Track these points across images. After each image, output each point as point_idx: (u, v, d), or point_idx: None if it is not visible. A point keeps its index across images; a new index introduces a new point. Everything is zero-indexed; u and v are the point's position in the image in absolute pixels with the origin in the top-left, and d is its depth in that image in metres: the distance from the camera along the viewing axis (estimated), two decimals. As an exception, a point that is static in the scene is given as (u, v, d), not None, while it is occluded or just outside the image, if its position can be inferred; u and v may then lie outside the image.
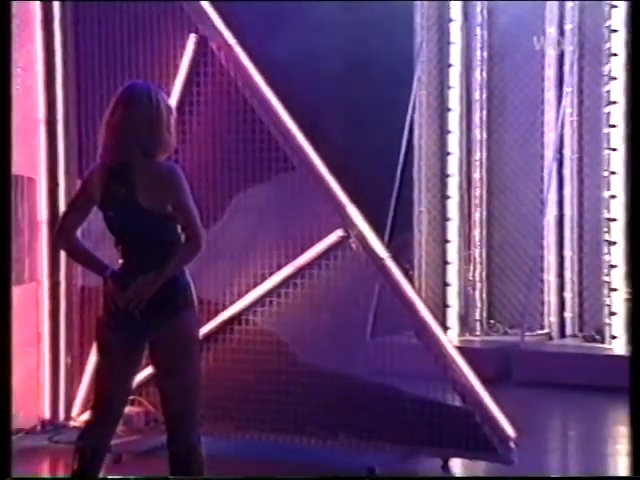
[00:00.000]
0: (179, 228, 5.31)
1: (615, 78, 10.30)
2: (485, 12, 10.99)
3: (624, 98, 10.25)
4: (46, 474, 7.42)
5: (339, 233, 7.10)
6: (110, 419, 5.51)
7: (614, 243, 10.37)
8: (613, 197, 10.36)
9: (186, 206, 5.33)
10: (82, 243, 5.47)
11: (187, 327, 5.40)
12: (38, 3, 7.72)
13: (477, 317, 11.09)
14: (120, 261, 5.36)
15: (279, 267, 7.26)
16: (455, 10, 10.97)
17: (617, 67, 10.29)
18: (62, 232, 5.44)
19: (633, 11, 5.24)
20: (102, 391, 5.50)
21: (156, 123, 5.36)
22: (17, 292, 7.58)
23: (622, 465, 7.81)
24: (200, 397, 5.53)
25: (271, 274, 7.28)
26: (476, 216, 11.11)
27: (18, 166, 7.51)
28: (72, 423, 7.68)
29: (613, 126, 10.32)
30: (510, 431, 6.82)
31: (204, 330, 7.40)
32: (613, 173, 10.34)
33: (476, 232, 11.13)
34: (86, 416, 5.93)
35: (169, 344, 5.37)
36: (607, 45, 10.35)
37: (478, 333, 10.98)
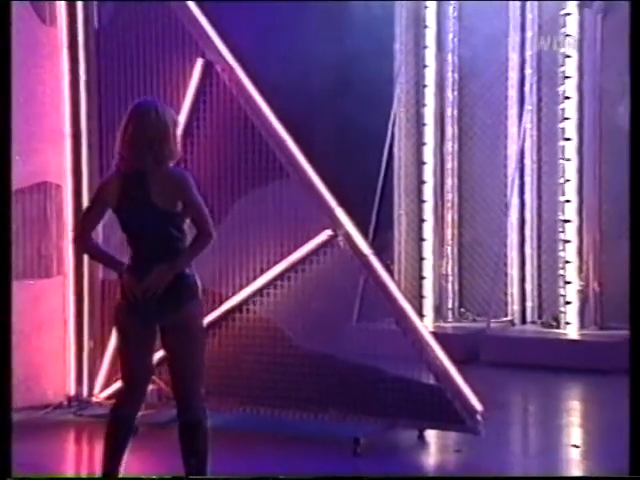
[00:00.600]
0: (185, 225, 5.36)
1: (569, 97, 10.31)
2: (456, 40, 10.98)
3: (577, 115, 10.27)
4: (71, 443, 7.38)
5: (328, 233, 7.10)
6: (136, 393, 5.55)
7: (568, 241, 10.39)
8: (568, 201, 10.38)
9: (197, 203, 5.39)
10: (97, 243, 5.54)
11: (193, 315, 5.43)
12: (64, 30, 7.67)
13: (449, 306, 11.08)
14: (130, 256, 5.39)
15: (275, 263, 7.26)
16: (430, 38, 10.96)
17: (570, 88, 10.30)
18: (80, 234, 5.56)
19: (633, 11, 5.22)
20: (126, 371, 5.53)
21: (164, 135, 5.38)
22: (46, 284, 7.62)
23: (574, 435, 7.88)
24: (204, 377, 5.55)
25: (268, 269, 7.28)
26: (448, 218, 11.10)
27: (48, 174, 7.56)
28: (94, 399, 7.69)
29: (567, 139, 10.35)
30: (478, 406, 6.84)
31: (210, 317, 7.39)
32: (567, 180, 10.37)
33: (448, 232, 11.11)
34: (116, 391, 5.93)
35: (178, 330, 5.39)
36: (561, 69, 10.35)
37: (450, 320, 10.97)
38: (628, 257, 10.25)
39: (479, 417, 6.81)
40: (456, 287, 11.15)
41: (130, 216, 5.38)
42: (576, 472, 6.81)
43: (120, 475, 5.35)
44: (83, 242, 5.52)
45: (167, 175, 5.37)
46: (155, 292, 5.27)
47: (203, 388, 5.53)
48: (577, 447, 7.39)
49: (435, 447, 7.16)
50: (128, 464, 6.28)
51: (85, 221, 5.53)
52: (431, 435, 7.18)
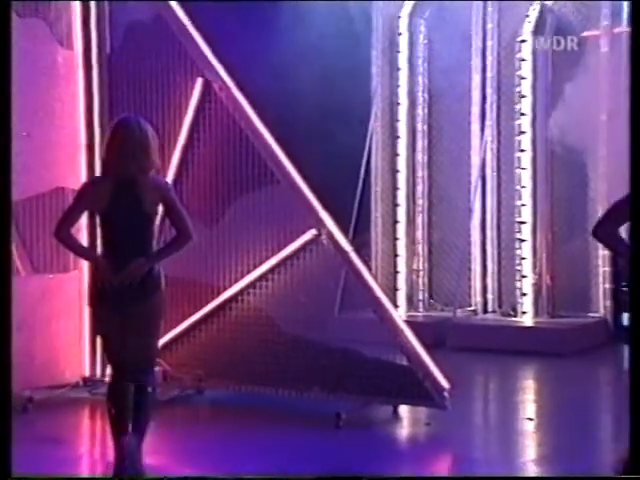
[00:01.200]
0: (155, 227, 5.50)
1: (524, 114, 10.29)
2: (425, 64, 10.95)
3: (531, 129, 10.26)
4: (86, 418, 7.33)
5: (313, 232, 7.08)
6: (124, 369, 5.52)
7: (524, 240, 10.37)
8: (523, 205, 10.36)
9: (178, 208, 5.48)
10: (73, 236, 5.60)
11: (157, 304, 5.46)
12: (80, 53, 7.63)
13: (420, 298, 11.04)
14: (105, 248, 5.51)
15: (267, 258, 7.24)
16: (402, 62, 10.93)
17: (526, 106, 10.29)
18: (60, 229, 5.50)
19: (633, 11, 5.06)
20: (110, 352, 5.64)
21: (146, 147, 5.40)
22: (64, 278, 7.57)
23: (529, 409, 7.89)
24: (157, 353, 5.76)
25: (261, 264, 7.26)
26: (419, 220, 11.07)
27: (65, 180, 7.50)
28: (106, 379, 7.54)
29: (523, 150, 10.33)
30: (445, 384, 6.83)
31: (209, 307, 7.45)
32: (523, 187, 10.34)
33: (419, 232, 11.08)
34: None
35: (143, 314, 5.41)
36: (518, 89, 10.33)
37: (420, 310, 10.93)
38: (576, 254, 10.45)
39: (446, 394, 6.80)
40: (426, 281, 11.10)
41: (117, 217, 5.40)
42: (530, 442, 6.81)
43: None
44: (62, 235, 5.49)
45: (151, 183, 5.43)
46: (131, 282, 5.32)
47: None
48: (531, 420, 7.41)
49: (408, 421, 7.13)
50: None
51: (67, 218, 5.53)
52: (404, 410, 7.17)
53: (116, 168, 5.38)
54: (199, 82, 7.36)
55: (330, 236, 7.04)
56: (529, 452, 6.60)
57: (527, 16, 10.24)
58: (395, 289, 10.85)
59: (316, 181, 7.23)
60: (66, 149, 7.51)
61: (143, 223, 5.41)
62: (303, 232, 7.10)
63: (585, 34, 10.11)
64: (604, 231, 4.84)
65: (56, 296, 7.42)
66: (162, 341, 7.31)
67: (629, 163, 4.40)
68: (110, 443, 5.46)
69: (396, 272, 10.99)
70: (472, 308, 10.81)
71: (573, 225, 10.46)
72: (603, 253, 10.39)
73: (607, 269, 10.45)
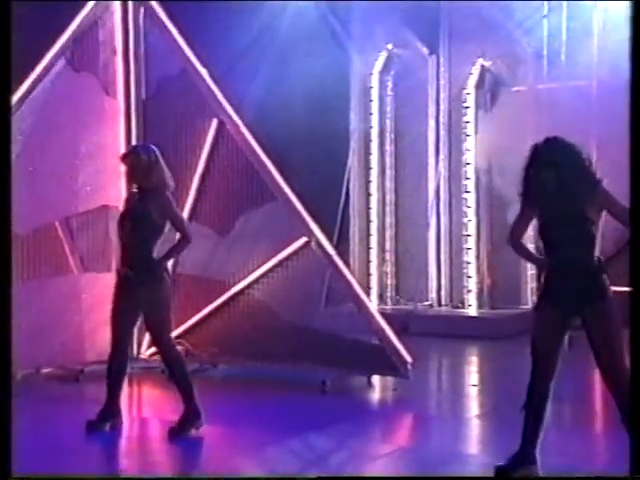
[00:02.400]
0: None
1: (469, 150, 10.26)
2: (392, 111, 10.93)
3: (474, 161, 10.21)
4: (125, 388, 7.10)
5: (304, 239, 7.03)
6: (123, 343, 5.58)
7: (469, 249, 10.32)
8: (469, 221, 10.32)
9: (179, 217, 5.61)
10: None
11: (164, 291, 5.44)
12: (122, 100, 7.54)
13: (388, 294, 10.96)
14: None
15: (267, 260, 7.18)
16: (374, 108, 10.89)
17: (470, 143, 10.25)
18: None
19: (633, 12, 4.57)
20: (115, 327, 5.58)
21: (143, 170, 5.42)
22: (108, 275, 7.32)
23: (473, 378, 7.86)
24: (170, 336, 5.63)
25: (262, 265, 7.20)
26: (387, 233, 11.02)
27: (109, 199, 7.38)
28: (142, 356, 7.54)
29: (468, 178, 10.29)
30: (408, 359, 6.79)
31: (221, 299, 7.35)
32: (469, 207, 10.30)
33: (387, 243, 11.02)
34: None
35: (152, 302, 5.42)
36: (464, 130, 10.29)
37: (389, 304, 10.85)
38: (509, 260, 10.43)
39: (409, 367, 6.77)
40: (393, 281, 11.02)
41: (132, 222, 5.46)
42: (474, 403, 6.78)
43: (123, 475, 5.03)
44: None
45: (159, 197, 5.42)
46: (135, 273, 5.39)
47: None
48: (475, 386, 7.42)
49: (379, 387, 7.08)
50: (162, 402, 6.26)
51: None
52: (376, 379, 7.13)
53: (128, 187, 5.58)
54: (214, 122, 7.32)
55: (318, 243, 7.00)
56: (473, 410, 6.60)
57: (471, 73, 10.22)
58: (369, 288, 10.74)
59: (307, 200, 7.18)
60: (110, 175, 7.42)
61: (148, 227, 5.42)
62: (296, 239, 7.05)
63: (515, 89, 10.10)
64: (514, 244, 4.67)
65: (100, 289, 7.29)
66: (184, 326, 7.35)
67: (629, 164, 4.12)
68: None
69: (369, 274, 10.92)
70: (429, 302, 10.72)
71: (507, 237, 10.43)
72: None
73: (533, 271, 10.44)
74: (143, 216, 5.39)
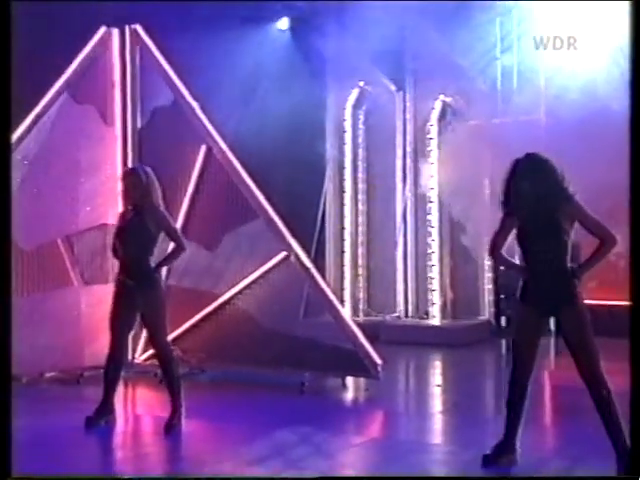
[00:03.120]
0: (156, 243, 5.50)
1: (432, 176, 10.26)
2: (364, 141, 10.99)
3: (437, 188, 10.23)
4: (121, 390, 6.87)
5: (284, 254, 7.02)
6: (120, 345, 5.55)
7: (433, 265, 10.31)
8: (433, 240, 10.33)
9: (174, 229, 5.62)
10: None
11: (159, 297, 5.46)
12: (119, 129, 7.50)
13: (361, 307, 10.91)
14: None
15: (251, 272, 7.15)
16: (347, 138, 10.92)
17: (433, 171, 10.24)
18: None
19: (633, 12, 4.35)
20: (113, 331, 5.55)
21: (139, 188, 5.45)
22: (106, 287, 7.26)
23: (437, 379, 7.85)
24: (166, 336, 5.62)
25: (246, 277, 7.18)
26: (359, 251, 11.01)
27: (107, 218, 7.30)
28: (136, 361, 7.48)
29: (431, 202, 10.28)
30: (379, 362, 6.78)
31: (209, 309, 7.28)
32: (432, 227, 10.30)
33: (360, 261, 11.00)
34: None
35: (149, 306, 5.43)
36: (429, 159, 10.31)
37: (361, 315, 10.80)
38: (469, 275, 10.46)
39: (379, 368, 6.76)
40: (365, 295, 10.98)
41: (126, 232, 5.48)
42: (437, 400, 6.79)
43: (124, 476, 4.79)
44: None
45: (154, 211, 5.46)
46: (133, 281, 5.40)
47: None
48: (439, 386, 7.44)
49: (352, 388, 7.06)
50: (154, 402, 6.21)
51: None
52: (349, 380, 7.11)
53: (129, 202, 5.54)
54: (203, 148, 7.32)
55: (297, 257, 6.99)
56: (437, 407, 6.60)
57: (433, 108, 10.30)
58: (342, 301, 10.70)
59: (287, 221, 7.17)
60: (107, 196, 7.41)
61: (144, 237, 5.44)
62: (277, 253, 7.04)
63: (472, 122, 10.18)
64: (494, 254, 4.66)
65: (98, 300, 7.24)
66: (175, 333, 7.27)
67: (629, 168, 4.02)
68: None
69: (343, 288, 10.87)
70: (397, 314, 10.71)
71: (467, 255, 10.49)
72: (487, 275, 10.43)
73: (490, 286, 10.48)
74: (141, 229, 5.41)
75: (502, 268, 10.22)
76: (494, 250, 4.60)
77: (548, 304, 4.42)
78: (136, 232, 5.42)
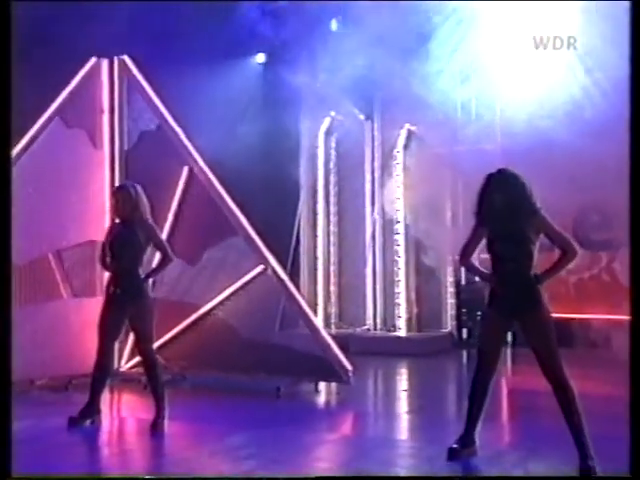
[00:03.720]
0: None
1: (399, 198, 10.39)
2: (335, 167, 11.11)
3: (403, 212, 10.33)
4: (107, 397, 6.76)
5: (261, 267, 7.05)
6: (107, 351, 5.54)
7: (400, 281, 10.43)
8: (399, 258, 10.44)
9: (161, 240, 5.60)
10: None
11: (148, 306, 5.43)
12: (107, 152, 7.52)
13: (333, 320, 10.98)
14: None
15: (230, 285, 7.15)
16: (320, 164, 11.04)
17: (399, 194, 10.34)
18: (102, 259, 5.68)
19: (633, 12, 4.15)
20: (101, 338, 5.52)
21: (137, 202, 5.44)
22: (93, 300, 7.18)
23: (403, 384, 7.87)
24: (152, 343, 5.58)
25: (226, 289, 7.17)
26: (331, 269, 11.09)
27: (95, 235, 7.22)
28: (121, 369, 7.42)
29: (398, 222, 10.42)
30: (350, 368, 6.82)
31: (191, 319, 7.26)
32: (398, 245, 10.43)
33: (332, 278, 11.08)
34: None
35: (139, 315, 5.40)
36: (395, 183, 10.45)
37: (333, 328, 10.82)
38: (432, 291, 10.54)
39: (350, 374, 6.79)
40: (337, 309, 11.06)
41: (118, 245, 5.47)
42: (404, 403, 6.82)
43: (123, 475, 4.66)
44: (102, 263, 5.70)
45: (144, 224, 5.47)
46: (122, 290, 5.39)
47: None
48: (405, 391, 7.47)
49: (325, 391, 7.09)
50: (139, 406, 6.16)
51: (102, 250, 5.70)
52: (322, 385, 7.13)
53: (118, 216, 5.56)
54: (185, 169, 7.35)
55: (273, 270, 7.02)
56: (403, 408, 6.64)
57: (399, 135, 10.44)
58: (316, 314, 10.77)
59: (268, 239, 7.19)
60: (96, 214, 7.40)
61: (135, 248, 5.44)
62: (255, 267, 7.07)
63: (435, 149, 10.31)
64: (464, 262, 4.72)
65: (86, 312, 7.19)
66: (158, 342, 7.17)
67: (629, 170, 3.91)
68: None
69: (316, 303, 10.92)
70: (367, 326, 10.77)
71: (431, 272, 10.58)
72: (450, 291, 10.52)
73: (452, 301, 10.58)
74: (131, 241, 5.41)
75: (463, 284, 10.52)
76: (464, 258, 4.67)
77: (514, 309, 4.47)
78: (126, 244, 5.41)
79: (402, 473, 4.38)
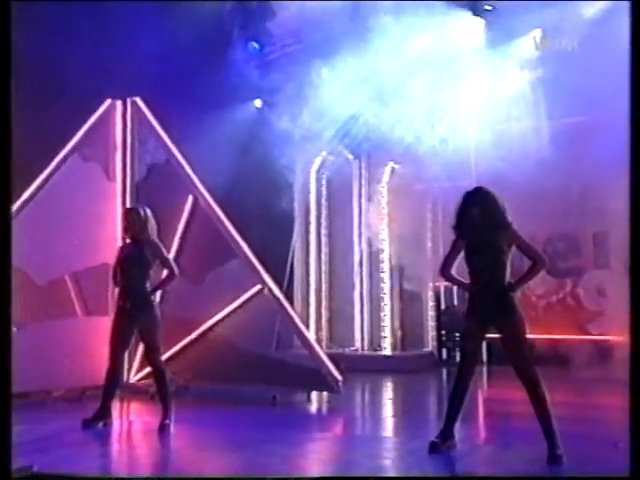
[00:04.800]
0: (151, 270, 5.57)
1: (384, 229, 10.47)
2: (326, 202, 11.21)
3: (388, 238, 10.39)
4: (117, 408, 6.74)
5: (259, 287, 7.11)
6: (118, 360, 5.62)
7: (385, 305, 10.45)
8: (385, 284, 10.49)
9: (167, 258, 5.70)
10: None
11: (155, 318, 5.52)
12: (119, 184, 7.64)
13: (324, 341, 10.87)
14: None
15: (230, 303, 7.20)
16: (312, 200, 11.16)
17: (384, 226, 10.45)
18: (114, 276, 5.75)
19: (633, 12, 3.80)
20: (113, 348, 5.60)
21: (146, 222, 5.57)
22: (105, 319, 7.25)
23: (389, 395, 7.92)
24: (160, 351, 5.64)
25: (226, 306, 7.22)
26: (322, 294, 11.10)
27: (108, 259, 7.06)
28: (130, 381, 7.43)
29: (383, 251, 10.47)
30: (340, 379, 6.86)
31: (194, 335, 7.27)
32: (383, 272, 10.48)
33: (323, 302, 11.05)
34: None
35: (147, 326, 5.51)
36: (380, 215, 10.50)
37: (324, 348, 10.61)
38: (415, 314, 10.58)
39: (340, 385, 6.83)
40: (328, 331, 11.02)
41: (128, 262, 5.58)
42: (389, 409, 6.88)
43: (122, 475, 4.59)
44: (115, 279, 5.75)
45: (152, 243, 5.59)
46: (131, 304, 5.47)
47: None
48: (390, 399, 7.55)
49: (316, 400, 7.12)
50: (146, 413, 6.19)
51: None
52: (315, 394, 7.17)
53: (129, 235, 5.65)
54: (190, 198, 7.45)
55: (270, 290, 7.10)
56: (389, 413, 6.72)
57: (384, 173, 10.59)
58: (308, 336, 10.77)
59: (266, 262, 7.26)
60: (109, 240, 7.45)
61: (143, 265, 5.55)
62: (252, 286, 7.12)
63: (416, 186, 10.39)
64: (445, 274, 4.80)
65: (99, 329, 7.17)
66: (164, 356, 7.21)
67: (629, 169, 3.67)
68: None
69: (308, 325, 10.76)
70: (355, 347, 10.77)
71: (414, 297, 10.64)
72: (431, 314, 10.57)
73: (433, 324, 10.62)
74: (139, 258, 5.53)
75: (443, 308, 10.60)
76: (444, 269, 4.78)
77: (491, 314, 4.59)
78: (135, 261, 5.54)
79: (387, 463, 4.44)
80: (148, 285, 5.56)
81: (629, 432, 3.38)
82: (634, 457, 3.36)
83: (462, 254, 4.75)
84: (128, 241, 5.73)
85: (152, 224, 5.64)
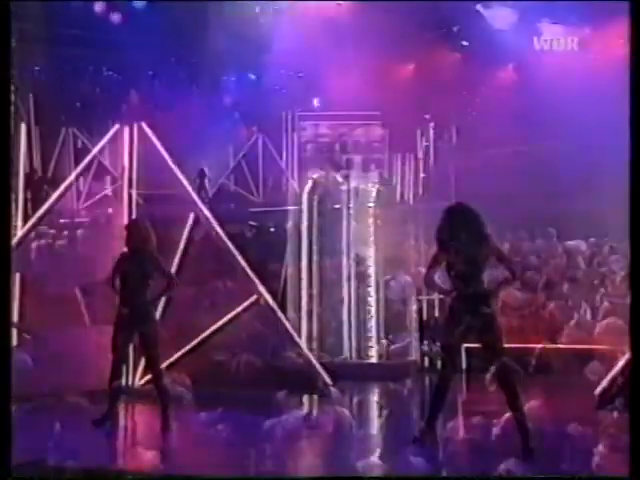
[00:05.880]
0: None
1: (370, 246, 10.52)
2: (320, 218, 11.16)
3: (374, 254, 10.51)
4: (122, 412, 6.74)
5: (255, 297, 7.21)
6: (120, 361, 5.68)
7: (372, 317, 10.35)
8: (371, 297, 10.36)
9: (166, 269, 5.80)
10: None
11: (153, 327, 5.58)
12: (126, 205, 7.69)
13: (314, 351, 10.79)
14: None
15: (229, 312, 7.28)
16: (305, 219, 11.19)
17: (371, 241, 10.34)
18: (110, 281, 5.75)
19: (633, 12, 3.70)
20: (115, 348, 5.65)
21: (147, 234, 5.59)
22: (110, 328, 7.32)
23: (377, 398, 7.96)
24: (159, 354, 5.63)
25: (225, 315, 7.29)
26: (314, 308, 10.89)
27: None
28: (134, 386, 7.37)
29: (370, 266, 10.40)
30: (330, 382, 7.04)
31: (195, 342, 7.36)
32: (369, 286, 10.35)
33: (314, 315, 10.95)
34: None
35: (146, 332, 5.55)
36: (367, 232, 10.56)
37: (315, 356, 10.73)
38: (401, 326, 10.57)
39: (331, 389, 6.97)
40: (318, 343, 10.66)
41: (130, 273, 5.60)
42: (375, 411, 6.91)
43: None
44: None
45: (152, 256, 5.60)
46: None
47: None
48: (377, 402, 7.60)
49: (308, 402, 7.15)
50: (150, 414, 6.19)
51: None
52: (306, 397, 7.21)
53: (130, 248, 5.66)
54: (191, 216, 7.52)
55: (265, 300, 7.20)
56: (375, 413, 6.76)
57: (371, 192, 10.67)
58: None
59: (262, 275, 7.37)
60: (115, 253, 7.49)
61: (143, 276, 5.59)
62: (249, 297, 7.20)
63: (399, 204, 10.44)
64: (428, 282, 4.92)
65: (104, 336, 7.14)
66: (167, 362, 7.25)
67: (630, 168, 3.73)
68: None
69: (300, 337, 10.79)
70: (344, 356, 10.59)
71: (399, 309, 10.65)
72: (414, 325, 10.55)
73: (416, 334, 10.57)
74: (139, 269, 5.56)
75: (425, 320, 10.62)
76: (428, 278, 4.87)
77: (468, 318, 4.67)
78: (136, 271, 5.56)
79: (374, 455, 4.46)
80: (147, 294, 5.57)
81: (629, 432, 3.31)
82: (634, 457, 3.27)
83: (443, 265, 4.84)
84: (128, 251, 5.72)
85: (152, 237, 5.68)
